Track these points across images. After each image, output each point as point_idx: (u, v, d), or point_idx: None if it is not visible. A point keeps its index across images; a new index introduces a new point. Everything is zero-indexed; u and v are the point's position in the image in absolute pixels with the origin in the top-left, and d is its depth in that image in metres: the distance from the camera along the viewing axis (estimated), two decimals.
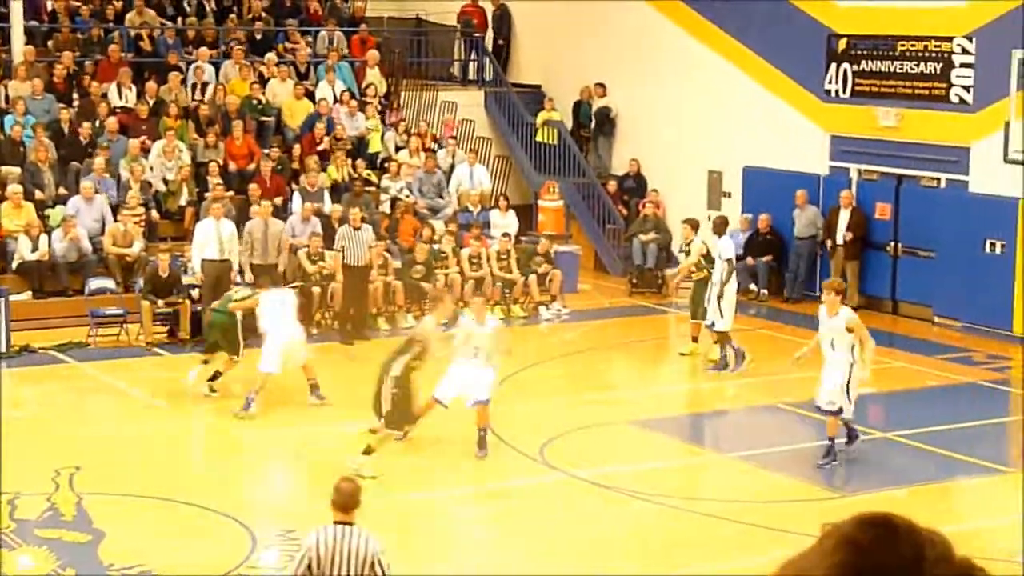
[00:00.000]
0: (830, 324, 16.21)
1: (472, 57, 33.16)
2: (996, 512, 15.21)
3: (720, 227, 21.83)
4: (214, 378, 19.12)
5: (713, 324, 20.66)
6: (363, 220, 23.34)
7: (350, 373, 21.06)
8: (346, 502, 9.55)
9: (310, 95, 28.44)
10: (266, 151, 26.29)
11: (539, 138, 30.56)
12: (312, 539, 9.45)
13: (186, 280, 22.54)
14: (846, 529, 1.70)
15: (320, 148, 26.92)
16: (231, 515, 14.37)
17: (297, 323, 18.99)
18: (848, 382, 16.15)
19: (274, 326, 18.50)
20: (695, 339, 21.57)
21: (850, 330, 16.08)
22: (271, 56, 28.95)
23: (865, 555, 1.69)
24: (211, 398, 18.93)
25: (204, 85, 27.82)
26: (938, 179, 24.80)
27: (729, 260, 20.56)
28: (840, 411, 16.28)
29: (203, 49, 28.60)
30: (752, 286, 26.58)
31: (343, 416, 18.58)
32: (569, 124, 31.11)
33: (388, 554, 9.56)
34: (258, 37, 30.13)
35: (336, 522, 9.49)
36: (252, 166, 25.89)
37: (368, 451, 15.62)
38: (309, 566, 9.35)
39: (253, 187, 24.65)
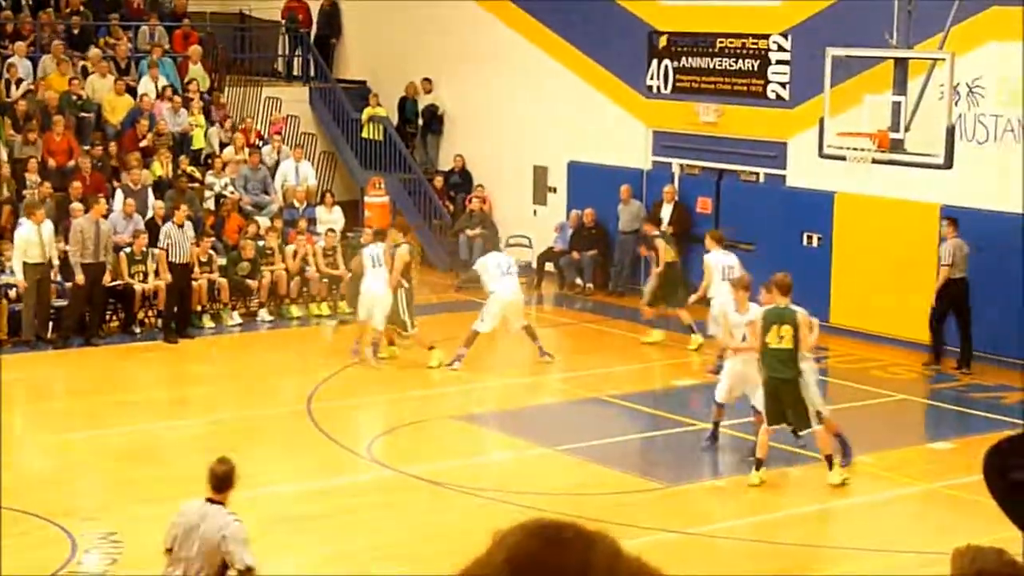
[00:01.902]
0: (741, 321, 16.41)
1: (297, 53, 33.00)
2: (811, 500, 15.57)
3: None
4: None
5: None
6: (187, 217, 23.14)
7: (175, 372, 20.89)
8: (218, 483, 9.94)
9: (131, 91, 28.02)
10: (86, 147, 25.86)
11: (365, 134, 30.51)
12: (180, 512, 9.89)
13: (3, 279, 22.08)
14: (512, 539, 1.71)
15: (143, 144, 26.56)
16: (51, 519, 14.15)
17: (384, 279, 20.70)
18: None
19: (366, 280, 20.78)
20: (392, 342, 21.28)
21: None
22: (95, 51, 28.42)
23: (533, 566, 1.69)
24: None
25: (20, 80, 27.23)
26: (757, 174, 25.32)
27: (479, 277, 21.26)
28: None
29: (19, 43, 28.00)
30: (578, 280, 26.89)
31: (166, 415, 18.43)
32: (395, 120, 31.11)
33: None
34: (76, 32, 29.58)
35: (208, 499, 9.84)
36: (72, 163, 25.42)
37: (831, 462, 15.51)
38: (175, 537, 9.77)
39: (75, 185, 24.15)
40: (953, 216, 21.18)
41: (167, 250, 22.56)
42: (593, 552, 1.72)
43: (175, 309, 22.61)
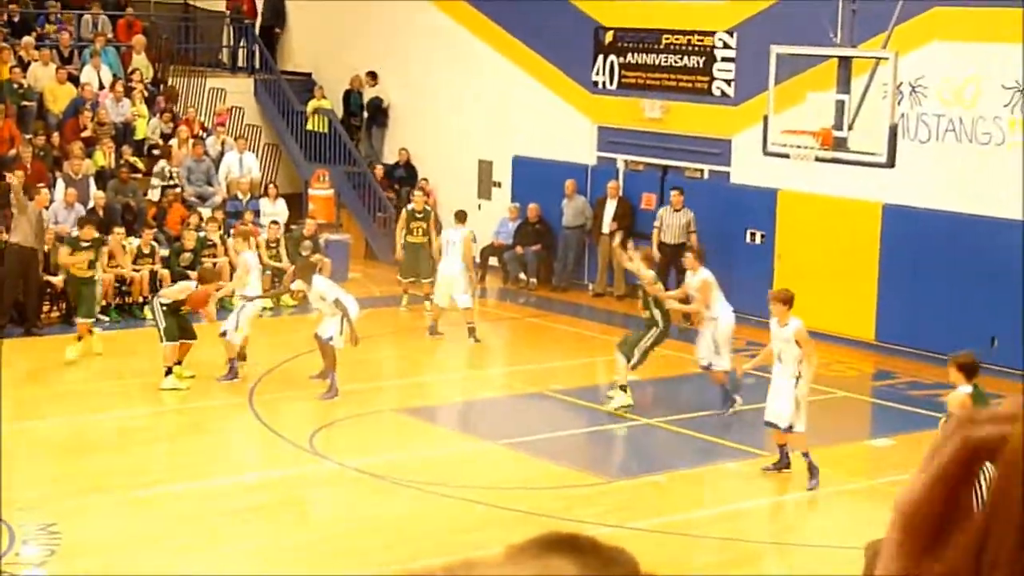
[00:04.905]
0: (780, 335, 15.54)
1: (241, 44, 32.84)
2: (751, 495, 15.65)
3: (307, 270, 19.78)
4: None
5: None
6: (129, 208, 23.02)
7: (115, 363, 20.73)
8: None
9: (74, 80, 27.80)
10: (28, 136, 25.64)
11: (310, 127, 30.41)
12: None
13: None
14: (529, 553, 1.68)
15: (85, 134, 26.35)
16: None
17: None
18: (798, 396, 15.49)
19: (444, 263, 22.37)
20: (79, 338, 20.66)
21: (798, 343, 15.41)
22: (28, 39, 28.14)
23: None
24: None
25: None
26: (701, 170, 25.40)
27: (336, 301, 18.93)
28: (791, 428, 15.52)
29: None
30: (521, 275, 26.89)
31: (106, 406, 18.30)
32: (340, 113, 31.03)
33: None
34: (16, 20, 29.30)
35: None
36: (13, 151, 25.18)
37: None
38: None
39: (17, 174, 23.87)
40: (680, 186, 24.55)
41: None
42: (613, 570, 1.70)
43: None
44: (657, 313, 18.36)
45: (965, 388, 12.67)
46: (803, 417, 15.46)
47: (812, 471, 15.58)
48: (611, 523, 14.42)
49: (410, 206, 24.68)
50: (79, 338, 20.57)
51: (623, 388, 18.49)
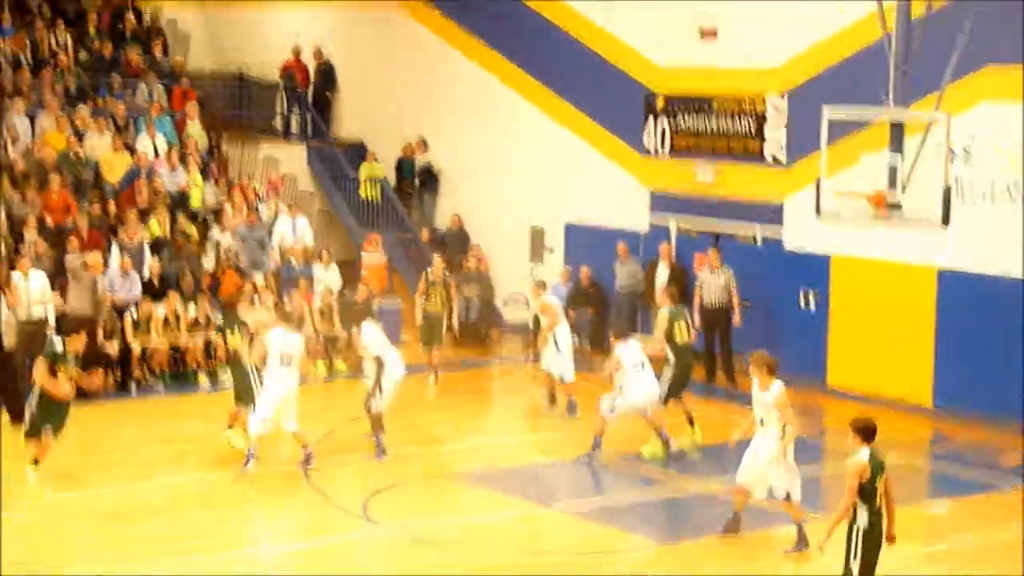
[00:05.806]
0: (761, 399, 15.31)
1: (294, 111, 33.10)
2: (805, 559, 15.46)
3: (359, 315, 21.41)
4: None
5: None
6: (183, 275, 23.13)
7: (168, 431, 20.77)
8: None
9: (130, 148, 28.05)
10: (84, 205, 25.85)
11: (362, 193, 30.56)
12: None
13: None
14: None
15: (140, 203, 26.54)
16: None
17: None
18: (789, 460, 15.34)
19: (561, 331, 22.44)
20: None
21: (778, 408, 15.20)
22: (83, 108, 28.42)
23: None
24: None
25: (17, 139, 27.21)
26: (754, 235, 25.31)
27: (376, 358, 19.43)
28: (788, 496, 15.39)
29: (18, 101, 28.01)
30: (574, 339, 26.79)
31: (158, 472, 18.31)
32: (392, 180, 31.17)
33: None
34: (73, 90, 29.62)
35: None
36: (69, 220, 25.38)
37: None
38: None
39: (72, 242, 24.10)
40: (717, 246, 24.73)
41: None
42: None
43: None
44: (668, 350, 19.64)
45: (864, 453, 12.43)
46: (797, 484, 15.31)
47: (800, 538, 15.38)
48: None
49: (428, 272, 24.87)
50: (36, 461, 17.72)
51: (660, 435, 19.37)
